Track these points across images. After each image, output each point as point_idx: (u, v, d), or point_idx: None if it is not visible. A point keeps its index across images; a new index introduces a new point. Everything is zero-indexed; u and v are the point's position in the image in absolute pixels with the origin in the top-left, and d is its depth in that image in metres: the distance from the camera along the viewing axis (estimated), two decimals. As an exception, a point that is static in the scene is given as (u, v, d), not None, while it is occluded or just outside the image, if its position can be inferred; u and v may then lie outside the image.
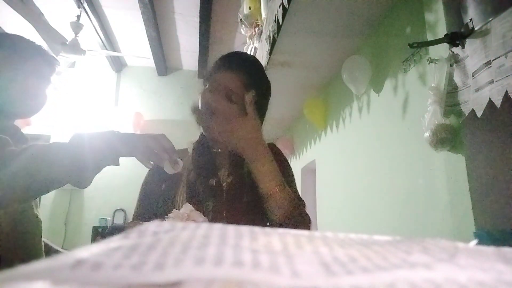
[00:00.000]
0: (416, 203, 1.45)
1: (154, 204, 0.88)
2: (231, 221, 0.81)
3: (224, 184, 0.87)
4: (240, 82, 0.86)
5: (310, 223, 0.86)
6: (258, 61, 1.00)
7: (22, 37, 0.98)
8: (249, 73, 0.89)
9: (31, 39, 1.00)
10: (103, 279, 0.13)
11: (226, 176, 0.88)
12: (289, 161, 0.99)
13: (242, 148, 0.78)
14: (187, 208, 0.73)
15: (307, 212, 0.87)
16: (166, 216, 0.72)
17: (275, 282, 0.13)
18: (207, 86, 0.90)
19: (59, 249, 1.22)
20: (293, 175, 0.96)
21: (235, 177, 0.87)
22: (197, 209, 0.77)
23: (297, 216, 0.80)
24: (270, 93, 0.98)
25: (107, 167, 0.78)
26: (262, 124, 0.96)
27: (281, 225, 0.79)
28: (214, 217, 0.82)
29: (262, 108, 0.94)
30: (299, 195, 0.91)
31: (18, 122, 1.02)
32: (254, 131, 0.78)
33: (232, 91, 0.86)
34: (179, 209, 0.79)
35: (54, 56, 1.03)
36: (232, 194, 0.85)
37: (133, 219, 0.88)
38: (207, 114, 0.85)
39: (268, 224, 0.85)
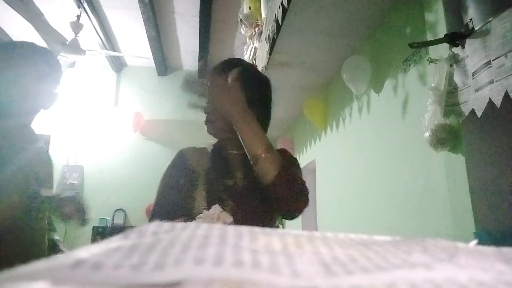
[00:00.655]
0: (416, 203, 1.45)
1: (173, 199, 0.90)
2: (245, 222, 0.83)
3: (240, 186, 0.91)
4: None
5: (307, 194, 0.86)
6: (250, 64, 1.07)
7: (27, 43, 1.05)
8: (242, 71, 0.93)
9: (37, 44, 1.07)
10: (103, 279, 0.13)
11: (242, 178, 0.92)
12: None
13: (226, 112, 0.84)
14: (217, 209, 0.76)
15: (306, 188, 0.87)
16: (197, 217, 0.75)
17: (275, 282, 0.13)
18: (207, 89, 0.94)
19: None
20: (300, 169, 0.99)
21: (249, 180, 0.90)
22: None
23: (291, 181, 0.81)
24: (269, 92, 1.00)
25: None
26: (268, 123, 1.00)
27: (274, 188, 0.79)
28: (232, 213, 0.84)
29: (260, 105, 0.96)
30: (303, 181, 0.89)
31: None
32: (235, 98, 0.84)
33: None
34: (195, 205, 0.82)
35: (57, 59, 1.10)
36: (247, 195, 0.88)
37: (153, 214, 0.89)
38: (210, 112, 0.92)
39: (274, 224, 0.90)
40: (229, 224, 0.73)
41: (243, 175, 0.92)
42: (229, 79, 0.87)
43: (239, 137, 0.82)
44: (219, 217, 0.74)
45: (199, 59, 4.21)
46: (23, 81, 1.00)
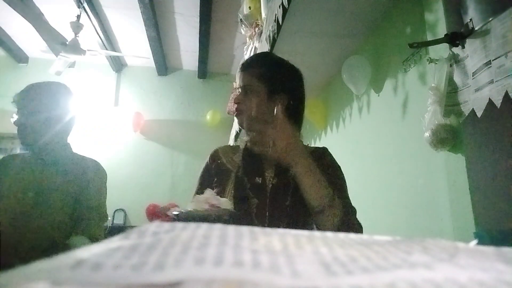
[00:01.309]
0: (416, 203, 1.45)
1: None
2: (272, 221, 0.84)
3: (270, 184, 0.90)
4: (255, 77, 0.94)
5: (361, 232, 0.87)
6: (285, 63, 1.06)
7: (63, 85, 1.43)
8: (261, 68, 0.96)
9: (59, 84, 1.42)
10: (103, 280, 0.13)
11: (272, 177, 0.91)
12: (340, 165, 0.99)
13: (282, 160, 0.80)
14: (208, 192, 0.76)
15: (358, 220, 0.88)
16: (191, 202, 0.74)
17: (275, 282, 0.13)
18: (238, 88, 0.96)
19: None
20: (343, 179, 0.96)
21: (280, 179, 0.89)
22: (242, 206, 0.80)
23: (347, 227, 0.81)
24: (303, 84, 1.02)
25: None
26: (300, 128, 0.99)
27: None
28: (257, 215, 0.85)
29: (296, 111, 0.97)
30: (349, 201, 0.91)
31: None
32: (295, 144, 0.80)
33: (249, 85, 0.93)
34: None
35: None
36: (276, 195, 0.88)
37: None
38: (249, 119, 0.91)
39: (307, 228, 0.87)
40: (216, 206, 0.73)
41: (274, 174, 0.91)
42: (276, 106, 0.84)
43: (300, 186, 0.79)
44: (207, 199, 0.73)
45: (199, 59, 4.22)
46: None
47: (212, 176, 0.95)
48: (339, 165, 0.99)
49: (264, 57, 1.07)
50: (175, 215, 0.70)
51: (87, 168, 1.37)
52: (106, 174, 1.43)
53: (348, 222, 0.82)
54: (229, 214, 0.74)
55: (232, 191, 0.88)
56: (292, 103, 0.96)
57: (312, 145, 3.01)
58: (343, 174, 0.98)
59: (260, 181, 0.89)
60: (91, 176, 1.34)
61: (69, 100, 1.40)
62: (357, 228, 0.86)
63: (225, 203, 0.75)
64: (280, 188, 0.88)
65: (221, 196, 0.85)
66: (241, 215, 0.82)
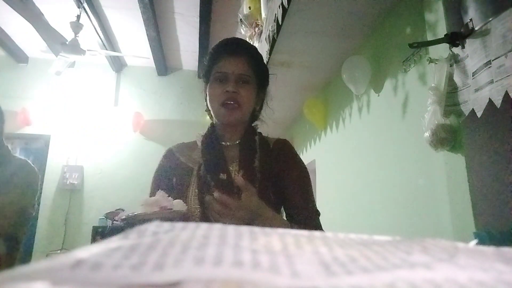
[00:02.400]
0: (416, 203, 1.45)
1: None
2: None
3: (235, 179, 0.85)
4: (250, 67, 0.89)
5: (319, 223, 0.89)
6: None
7: None
8: (256, 58, 0.92)
9: None
10: (103, 279, 0.13)
11: (237, 170, 0.86)
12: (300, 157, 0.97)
13: (252, 216, 0.75)
14: (159, 194, 0.73)
15: (319, 224, 0.88)
16: (141, 205, 0.71)
17: (275, 282, 0.13)
18: (215, 76, 0.89)
19: None
20: (304, 173, 0.93)
21: (246, 171, 0.85)
22: (207, 205, 0.77)
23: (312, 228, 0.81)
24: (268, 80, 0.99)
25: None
26: (263, 102, 0.97)
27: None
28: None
29: (266, 80, 0.96)
30: (311, 202, 0.90)
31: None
32: (255, 207, 0.76)
33: (246, 75, 0.88)
34: (188, 204, 0.79)
35: None
36: None
37: None
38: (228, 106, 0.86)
39: None
40: (168, 208, 0.70)
41: (238, 167, 0.86)
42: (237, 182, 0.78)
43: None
44: (157, 202, 0.70)
45: (199, 59, 4.22)
46: None
47: (169, 177, 0.89)
48: (300, 157, 0.96)
49: (250, 44, 0.97)
50: (122, 219, 0.69)
51: (13, 168, 1.39)
52: (35, 174, 1.46)
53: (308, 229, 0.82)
54: (180, 216, 0.71)
55: (196, 191, 0.83)
56: (264, 100, 0.96)
57: (312, 145, 3.02)
58: (304, 167, 0.94)
59: (225, 177, 0.83)
60: (16, 176, 1.37)
61: None
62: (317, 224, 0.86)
63: (178, 204, 0.72)
64: (247, 180, 0.82)
65: (184, 197, 0.83)
66: (201, 215, 0.79)
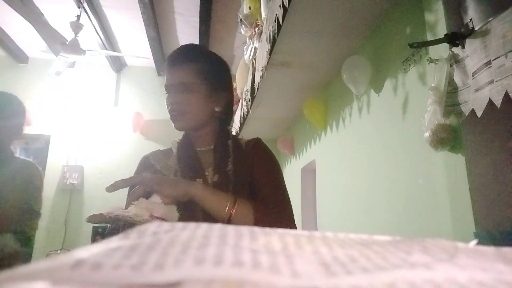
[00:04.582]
0: (416, 203, 1.45)
1: None
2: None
3: (211, 183, 0.86)
4: (193, 72, 0.89)
5: (291, 217, 0.86)
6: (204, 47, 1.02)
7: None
8: (199, 62, 0.91)
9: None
10: (103, 279, 0.13)
11: (212, 175, 0.88)
12: (280, 159, 0.98)
13: (183, 195, 0.75)
14: (154, 198, 0.72)
15: (291, 212, 0.87)
16: (133, 203, 0.71)
17: (275, 282, 0.13)
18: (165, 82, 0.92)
19: None
20: (276, 170, 0.93)
21: (220, 176, 0.86)
22: (186, 212, 0.76)
23: (274, 221, 0.80)
24: (226, 67, 0.99)
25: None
26: (230, 124, 0.99)
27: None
28: (204, 218, 0.81)
29: (230, 109, 0.97)
30: (282, 195, 0.89)
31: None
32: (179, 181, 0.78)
33: (188, 82, 0.88)
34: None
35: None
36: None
37: None
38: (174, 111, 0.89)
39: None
40: (160, 218, 0.69)
41: (213, 172, 0.87)
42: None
43: (204, 207, 0.77)
44: (148, 208, 0.69)
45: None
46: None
47: None
48: (272, 154, 0.96)
49: (195, 49, 0.96)
50: (110, 216, 0.69)
51: (18, 168, 1.47)
52: (39, 174, 1.54)
53: (272, 215, 0.81)
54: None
55: None
56: (228, 102, 0.96)
57: (312, 145, 3.02)
58: (277, 165, 0.94)
59: (201, 182, 0.84)
60: (20, 177, 1.45)
61: (18, 111, 1.52)
62: (286, 222, 0.84)
63: (170, 214, 0.71)
64: (223, 185, 0.85)
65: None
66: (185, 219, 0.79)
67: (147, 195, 0.74)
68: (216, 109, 0.94)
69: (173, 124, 0.92)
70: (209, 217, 0.78)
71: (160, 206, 0.71)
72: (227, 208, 0.77)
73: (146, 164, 0.95)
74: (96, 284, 0.12)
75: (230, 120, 1.01)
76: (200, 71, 0.89)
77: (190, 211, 0.78)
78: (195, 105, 0.89)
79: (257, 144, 0.95)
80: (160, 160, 0.94)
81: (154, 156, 0.97)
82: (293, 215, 0.88)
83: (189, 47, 0.95)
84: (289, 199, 0.90)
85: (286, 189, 0.92)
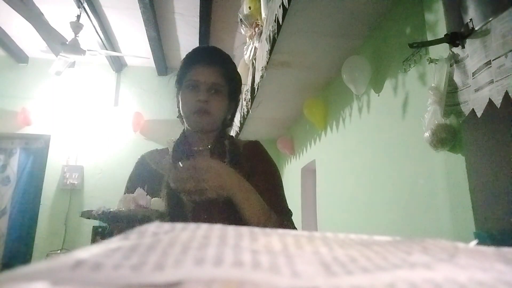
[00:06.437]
0: (416, 203, 1.45)
1: None
2: (211, 221, 0.81)
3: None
4: (223, 76, 0.91)
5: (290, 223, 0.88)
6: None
7: None
8: (228, 68, 0.94)
9: None
10: (103, 280, 0.13)
11: None
12: (280, 159, 1.00)
13: (225, 190, 0.75)
14: (137, 192, 0.74)
15: (293, 222, 0.89)
16: (119, 201, 0.73)
17: (275, 282, 0.13)
18: (187, 83, 0.91)
19: None
20: (276, 175, 0.94)
21: None
22: (178, 210, 0.77)
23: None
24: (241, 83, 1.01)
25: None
26: (235, 110, 1.01)
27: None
28: (196, 217, 0.82)
29: (238, 89, 0.98)
30: (283, 203, 0.90)
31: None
32: (229, 172, 0.77)
33: (218, 85, 0.90)
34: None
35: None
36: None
37: None
38: (198, 114, 0.89)
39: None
40: (144, 206, 0.71)
41: None
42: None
43: (239, 208, 0.76)
44: (135, 199, 0.72)
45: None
46: None
47: (142, 184, 0.88)
48: (270, 158, 0.96)
49: (224, 53, 0.98)
50: (98, 214, 0.70)
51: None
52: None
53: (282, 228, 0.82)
54: (157, 215, 0.71)
55: (166, 196, 0.84)
56: (237, 107, 0.99)
57: (312, 145, 3.02)
58: (276, 168, 0.95)
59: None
60: None
61: None
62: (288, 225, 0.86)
63: (156, 203, 0.73)
64: None
65: None
66: (176, 217, 0.80)
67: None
68: (229, 113, 0.97)
69: (189, 122, 0.91)
70: (228, 217, 0.79)
71: (143, 196, 0.73)
72: (260, 219, 0.77)
73: (142, 162, 0.96)
74: (96, 284, 0.12)
75: (232, 123, 1.02)
76: (227, 76, 0.92)
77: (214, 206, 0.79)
78: (221, 108, 0.91)
79: (256, 147, 0.96)
80: (156, 159, 0.95)
81: (150, 155, 0.97)
82: (294, 225, 0.90)
83: (218, 50, 0.97)
84: (289, 209, 0.91)
85: (284, 195, 0.92)
